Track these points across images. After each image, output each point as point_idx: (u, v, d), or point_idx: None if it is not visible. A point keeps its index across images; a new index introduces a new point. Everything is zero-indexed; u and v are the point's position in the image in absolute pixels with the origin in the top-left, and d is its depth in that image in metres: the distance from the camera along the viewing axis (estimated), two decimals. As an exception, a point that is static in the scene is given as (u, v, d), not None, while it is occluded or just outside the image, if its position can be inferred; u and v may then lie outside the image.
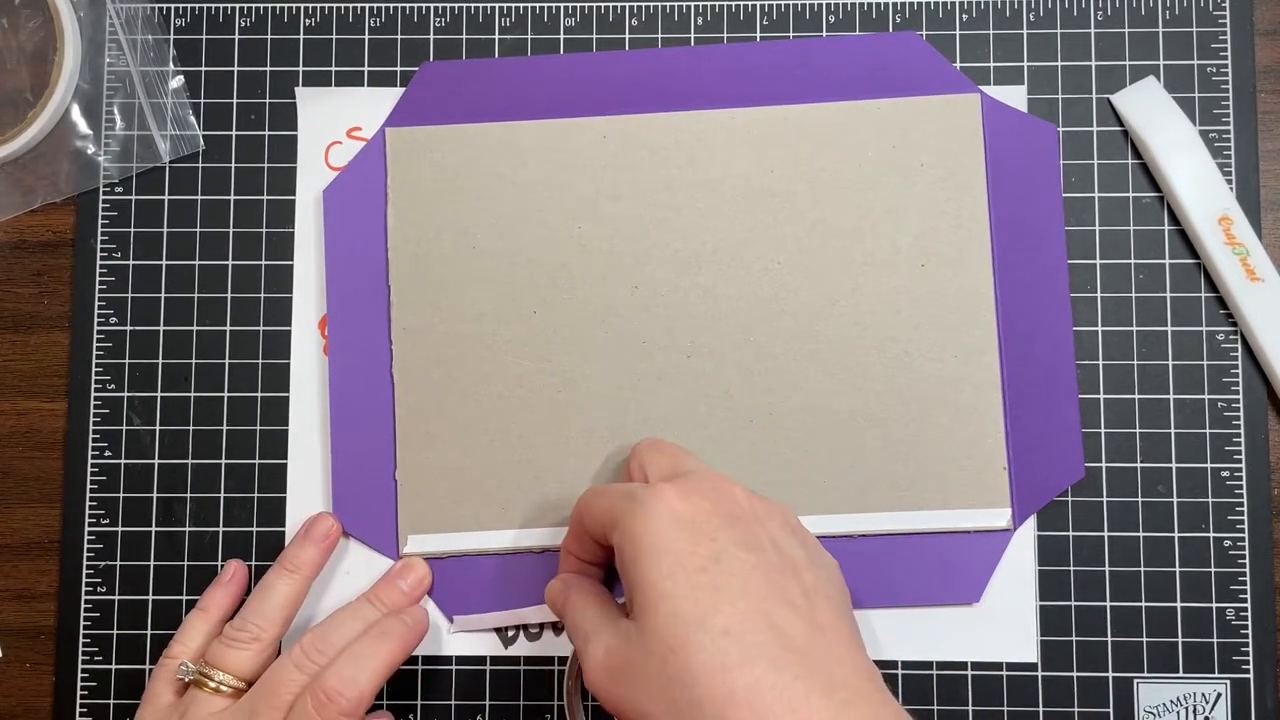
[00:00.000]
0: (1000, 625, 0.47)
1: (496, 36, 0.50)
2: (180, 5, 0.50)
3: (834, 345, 0.47)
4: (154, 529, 0.48)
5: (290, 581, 0.45)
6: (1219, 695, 0.47)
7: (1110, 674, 0.47)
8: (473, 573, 0.47)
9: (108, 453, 0.48)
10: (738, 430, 0.47)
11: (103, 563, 0.48)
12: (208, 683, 0.43)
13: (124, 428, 0.48)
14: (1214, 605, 0.47)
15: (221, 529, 0.48)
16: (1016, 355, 0.47)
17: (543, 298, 0.48)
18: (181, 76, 0.50)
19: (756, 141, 0.48)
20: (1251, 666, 0.47)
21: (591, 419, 0.47)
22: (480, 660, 0.47)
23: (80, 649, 0.48)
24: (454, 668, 0.47)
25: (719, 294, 0.48)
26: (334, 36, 0.50)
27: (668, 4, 0.50)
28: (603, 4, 0.50)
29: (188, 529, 0.48)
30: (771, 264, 0.48)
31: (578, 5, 0.50)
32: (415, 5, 0.50)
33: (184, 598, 0.48)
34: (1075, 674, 0.47)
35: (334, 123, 0.49)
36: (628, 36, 0.50)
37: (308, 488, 0.48)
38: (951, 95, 0.48)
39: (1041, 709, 0.47)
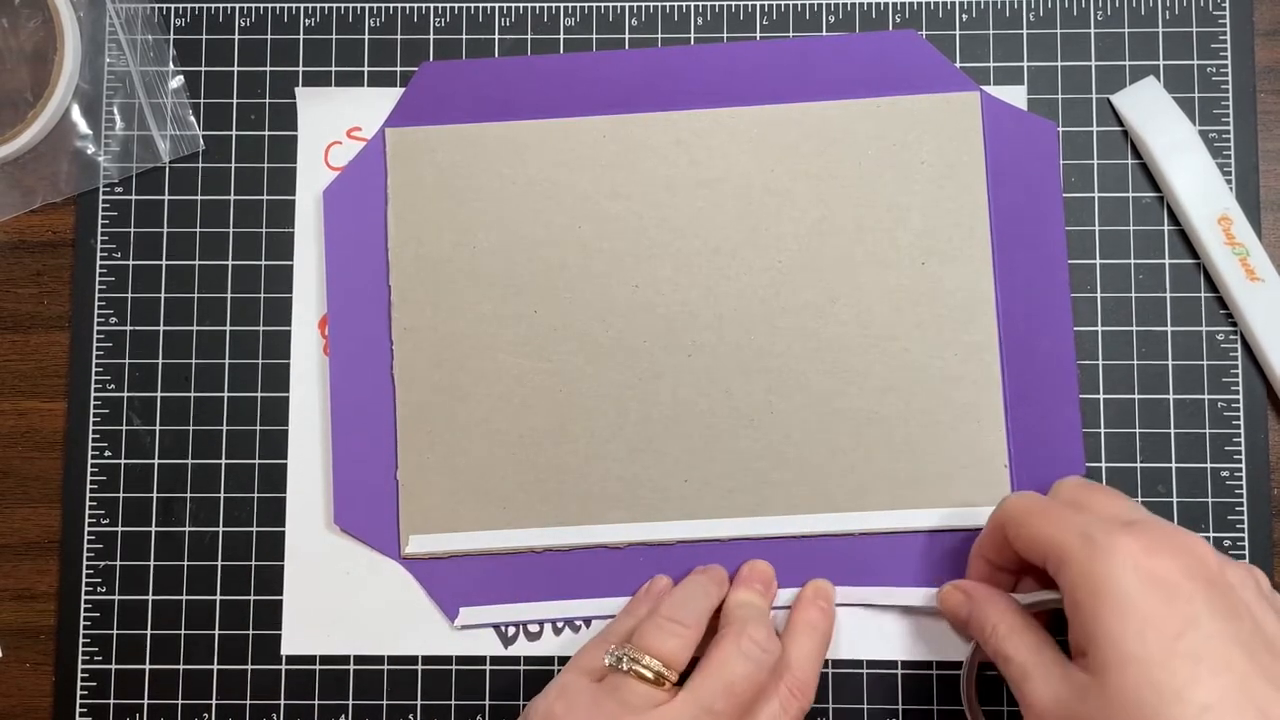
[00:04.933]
0: (1001, 625, 0.47)
1: (496, 36, 0.50)
2: (180, 5, 0.50)
3: (835, 344, 0.47)
4: (154, 529, 0.48)
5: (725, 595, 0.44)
6: (1220, 695, 0.46)
7: (1111, 674, 0.47)
8: (473, 572, 0.47)
9: (108, 453, 0.48)
10: (738, 429, 0.47)
11: (103, 563, 0.48)
12: (635, 665, 0.40)
13: (124, 428, 0.48)
14: (1215, 605, 0.47)
15: (221, 529, 0.48)
16: (1017, 352, 0.47)
17: (543, 298, 0.48)
18: (181, 76, 0.50)
19: (757, 140, 0.48)
20: (1252, 666, 0.46)
21: (591, 419, 0.47)
22: (480, 660, 0.47)
23: (80, 649, 0.48)
24: (454, 668, 0.47)
25: (719, 293, 0.48)
26: (334, 36, 0.50)
27: (668, 4, 0.50)
28: (603, 4, 0.50)
29: (188, 529, 0.48)
30: (772, 263, 0.48)
31: (578, 5, 0.50)
32: (415, 5, 0.50)
33: (184, 598, 0.48)
34: (1076, 674, 0.47)
35: (334, 123, 0.49)
36: (628, 36, 0.50)
37: (308, 488, 0.48)
38: (951, 93, 0.48)
39: (1042, 709, 0.47)
